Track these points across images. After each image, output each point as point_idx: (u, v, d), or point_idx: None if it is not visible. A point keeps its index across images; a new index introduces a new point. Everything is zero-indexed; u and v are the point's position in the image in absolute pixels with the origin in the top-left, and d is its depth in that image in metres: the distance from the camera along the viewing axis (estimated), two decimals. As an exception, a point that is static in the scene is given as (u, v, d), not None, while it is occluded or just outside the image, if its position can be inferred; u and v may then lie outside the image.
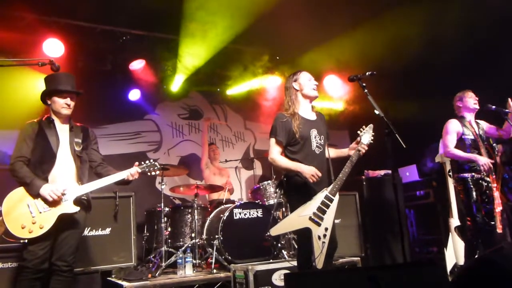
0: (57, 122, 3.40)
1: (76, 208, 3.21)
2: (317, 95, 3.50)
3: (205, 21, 5.68)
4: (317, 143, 3.37)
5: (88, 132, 3.57)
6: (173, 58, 6.57)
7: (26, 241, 3.08)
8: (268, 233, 3.27)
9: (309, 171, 3.17)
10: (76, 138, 3.42)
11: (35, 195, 3.12)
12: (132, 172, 3.41)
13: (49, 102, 3.39)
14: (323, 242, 3.13)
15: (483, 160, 4.15)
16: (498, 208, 4.14)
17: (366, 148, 3.35)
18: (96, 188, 3.33)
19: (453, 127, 4.42)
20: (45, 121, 3.38)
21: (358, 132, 3.42)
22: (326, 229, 3.17)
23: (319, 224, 3.16)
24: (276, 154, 3.36)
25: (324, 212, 3.18)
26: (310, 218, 3.16)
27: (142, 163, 3.53)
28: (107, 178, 3.36)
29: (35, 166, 3.21)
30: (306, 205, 3.20)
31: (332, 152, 3.53)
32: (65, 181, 3.22)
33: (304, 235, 3.19)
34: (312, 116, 3.50)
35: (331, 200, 3.21)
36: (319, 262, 3.09)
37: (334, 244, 3.32)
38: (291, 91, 3.48)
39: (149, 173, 3.53)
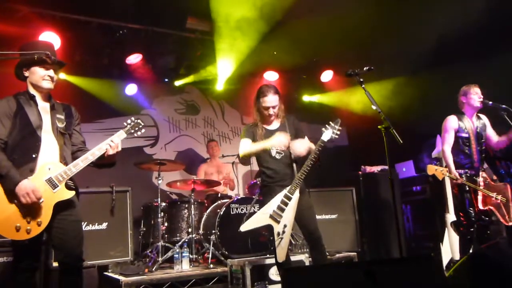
0: (38, 98, 2.92)
1: (72, 193, 2.83)
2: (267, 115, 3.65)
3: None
4: (276, 150, 3.60)
5: (71, 110, 3.11)
6: (173, 53, 6.57)
7: (26, 242, 2.67)
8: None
9: None
10: (58, 114, 2.97)
11: (10, 191, 2.62)
12: (116, 141, 2.87)
13: (26, 73, 2.90)
14: (281, 238, 3.37)
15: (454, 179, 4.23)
16: (482, 206, 4.24)
17: (323, 145, 3.42)
18: (83, 167, 2.84)
19: (450, 124, 4.47)
20: (23, 96, 2.88)
21: (323, 128, 3.50)
22: (285, 225, 3.38)
23: (278, 222, 3.39)
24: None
25: (282, 210, 3.40)
26: (270, 216, 3.41)
27: (124, 123, 3.04)
28: (89, 153, 2.86)
29: (13, 151, 2.74)
30: (270, 203, 3.47)
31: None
32: (50, 165, 2.78)
33: (270, 232, 3.46)
34: (274, 126, 3.71)
35: (289, 199, 3.41)
36: (279, 256, 3.37)
37: (314, 236, 3.52)
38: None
39: (135, 134, 3.05)
